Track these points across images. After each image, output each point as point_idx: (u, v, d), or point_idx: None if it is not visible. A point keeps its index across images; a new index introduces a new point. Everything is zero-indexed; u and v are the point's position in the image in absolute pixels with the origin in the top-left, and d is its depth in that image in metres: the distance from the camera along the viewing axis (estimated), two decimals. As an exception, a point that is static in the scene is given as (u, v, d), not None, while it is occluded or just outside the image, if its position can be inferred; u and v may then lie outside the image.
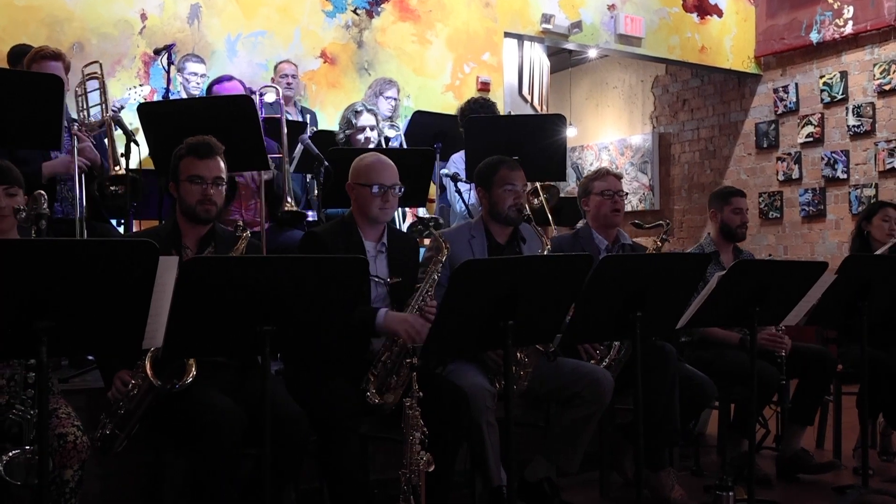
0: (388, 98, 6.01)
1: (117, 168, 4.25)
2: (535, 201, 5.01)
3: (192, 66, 5.84)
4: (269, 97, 5.12)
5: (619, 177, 4.24)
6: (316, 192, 4.83)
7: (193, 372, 2.90)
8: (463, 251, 3.59)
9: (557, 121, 4.93)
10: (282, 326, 2.58)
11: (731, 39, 9.33)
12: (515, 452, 2.98)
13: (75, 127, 4.25)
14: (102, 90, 4.26)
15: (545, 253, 3.88)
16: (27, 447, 2.68)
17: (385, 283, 3.42)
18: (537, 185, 5.04)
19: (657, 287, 3.20)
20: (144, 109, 4.13)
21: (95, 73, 4.38)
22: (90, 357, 3.77)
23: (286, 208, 4.37)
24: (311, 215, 4.90)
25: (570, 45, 8.73)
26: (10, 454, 2.67)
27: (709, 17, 9.15)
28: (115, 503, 3.49)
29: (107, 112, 4.45)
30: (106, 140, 4.40)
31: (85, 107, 4.58)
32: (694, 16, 9.05)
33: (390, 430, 3.43)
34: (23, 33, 6.04)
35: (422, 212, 5.36)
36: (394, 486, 3.45)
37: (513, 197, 3.74)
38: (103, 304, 2.34)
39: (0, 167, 3.10)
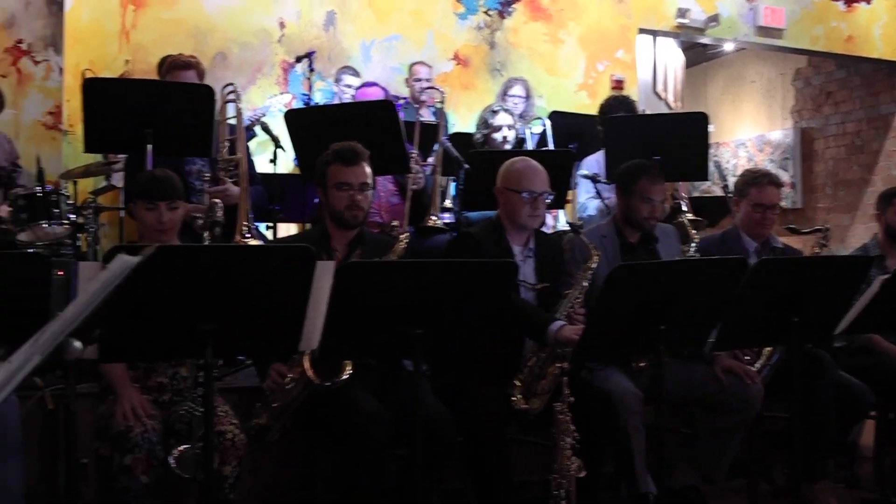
0: (511, 96, 5.97)
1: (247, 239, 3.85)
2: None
3: (348, 79, 6.05)
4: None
5: (778, 185, 4.05)
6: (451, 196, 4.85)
7: (349, 369, 2.95)
8: None
9: (699, 119, 4.80)
10: (432, 329, 2.61)
11: (880, 27, 8.84)
12: (663, 459, 2.93)
13: (206, 177, 4.09)
14: (238, 116, 4.17)
15: (690, 251, 3.80)
16: (192, 444, 2.80)
17: (532, 287, 3.41)
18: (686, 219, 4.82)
19: (814, 291, 3.07)
20: (291, 116, 4.24)
21: (232, 97, 4.24)
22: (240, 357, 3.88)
23: (429, 223, 4.39)
24: (447, 218, 4.90)
25: (705, 40, 8.49)
26: (182, 448, 2.81)
27: (856, 4, 8.70)
28: (267, 498, 3.59)
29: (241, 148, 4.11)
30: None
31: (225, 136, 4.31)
32: (839, 4, 8.63)
33: (533, 432, 3.44)
34: (169, 45, 6.30)
35: (562, 215, 5.30)
36: (535, 488, 3.45)
37: (648, 210, 3.71)
38: (263, 307, 2.43)
39: (161, 181, 3.21)
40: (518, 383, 3.30)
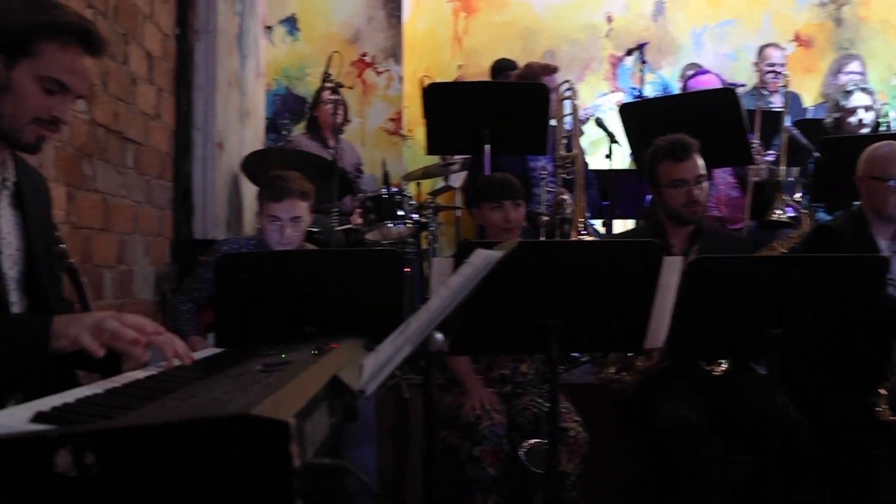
0: (847, 73, 5.43)
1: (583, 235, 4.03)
2: None
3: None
4: None
5: None
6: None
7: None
8: None
9: None
10: (790, 329, 2.43)
11: None
12: None
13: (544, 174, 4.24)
14: (575, 113, 4.23)
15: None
16: (541, 438, 2.83)
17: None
18: None
19: None
20: (625, 110, 4.16)
21: (569, 94, 4.36)
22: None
23: (773, 217, 4.11)
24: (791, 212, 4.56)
25: None
26: (532, 442, 2.85)
27: None
28: (607, 499, 3.54)
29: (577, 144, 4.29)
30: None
31: (561, 136, 4.41)
32: None
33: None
34: (500, 48, 6.51)
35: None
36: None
37: None
38: (609, 302, 2.40)
39: (504, 181, 3.32)
40: (884, 392, 2.99)
